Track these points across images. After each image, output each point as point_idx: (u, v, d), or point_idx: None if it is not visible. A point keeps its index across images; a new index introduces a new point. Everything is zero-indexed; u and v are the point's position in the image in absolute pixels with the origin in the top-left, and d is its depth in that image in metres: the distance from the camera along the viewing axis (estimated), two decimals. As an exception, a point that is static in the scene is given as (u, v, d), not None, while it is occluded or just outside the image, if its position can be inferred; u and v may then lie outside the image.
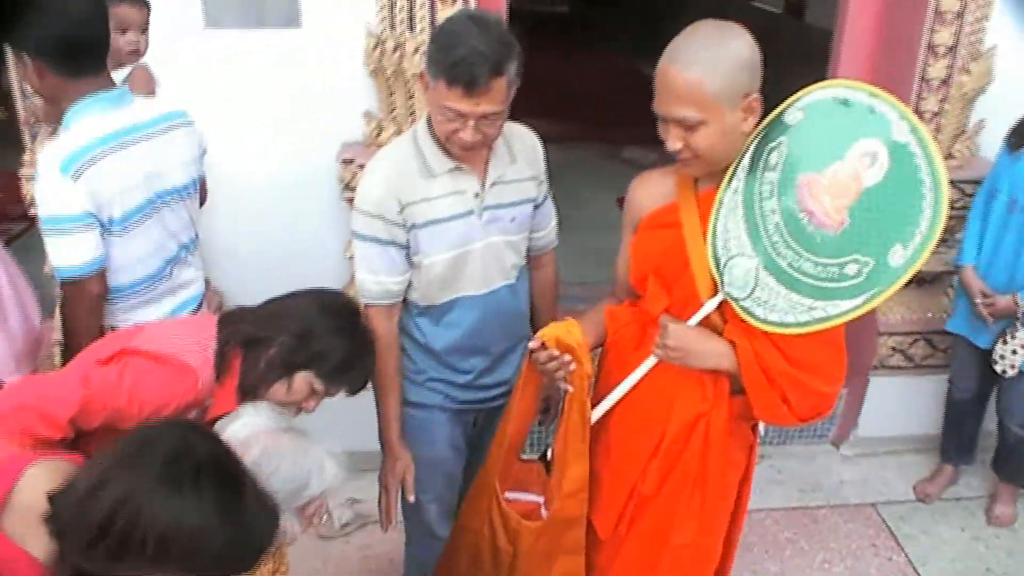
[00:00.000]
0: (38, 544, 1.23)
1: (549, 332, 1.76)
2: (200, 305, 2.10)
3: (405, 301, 1.97)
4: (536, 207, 2.02)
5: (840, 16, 2.88)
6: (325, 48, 2.56)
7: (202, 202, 2.16)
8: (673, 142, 1.59)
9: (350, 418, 2.06)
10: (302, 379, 1.66)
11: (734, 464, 1.85)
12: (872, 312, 2.91)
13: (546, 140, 2.04)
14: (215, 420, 1.67)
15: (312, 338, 1.65)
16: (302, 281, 1.83)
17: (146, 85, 2.33)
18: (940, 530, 2.94)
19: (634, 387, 1.76)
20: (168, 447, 1.23)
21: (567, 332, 1.75)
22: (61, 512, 1.20)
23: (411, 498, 2.08)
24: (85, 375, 1.50)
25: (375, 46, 2.51)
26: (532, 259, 2.13)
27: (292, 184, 2.68)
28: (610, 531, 1.87)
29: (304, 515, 1.57)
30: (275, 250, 2.72)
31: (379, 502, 2.10)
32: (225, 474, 1.25)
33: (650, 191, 1.78)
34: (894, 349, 3.05)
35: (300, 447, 1.56)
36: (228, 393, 1.64)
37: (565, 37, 9.01)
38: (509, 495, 1.96)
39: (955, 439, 3.03)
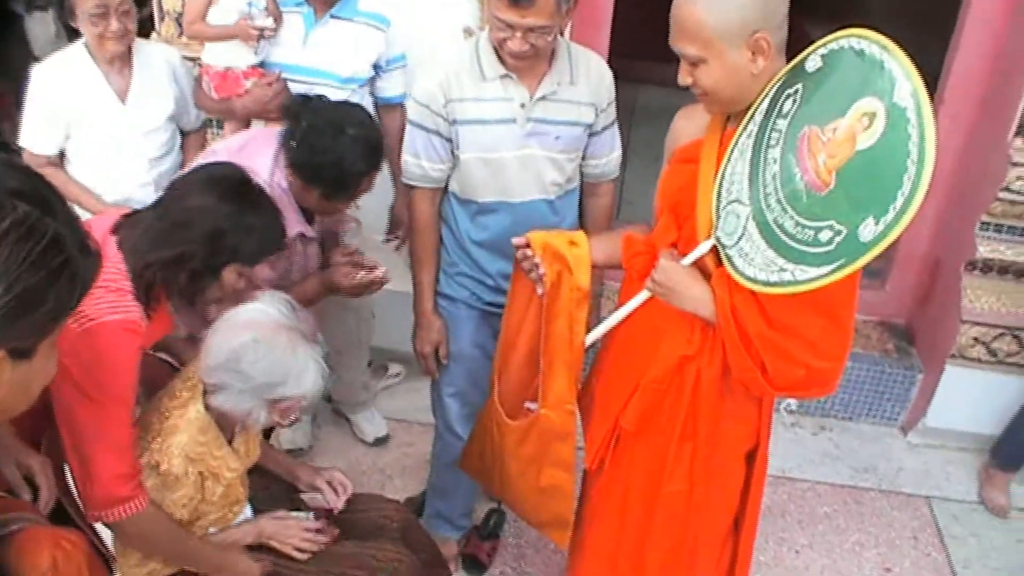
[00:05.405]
0: None
1: (539, 235, 1.79)
2: None
3: (448, 190, 2.10)
4: (592, 134, 2.07)
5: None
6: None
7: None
8: (682, 77, 1.58)
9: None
10: (230, 273, 1.64)
11: (737, 417, 1.80)
12: (956, 294, 2.75)
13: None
14: (158, 344, 1.73)
15: (223, 235, 1.59)
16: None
17: None
18: (992, 536, 2.78)
19: (631, 318, 1.76)
20: None
21: (564, 242, 1.77)
22: None
23: (444, 361, 2.22)
24: None
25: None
26: (587, 186, 2.20)
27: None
28: (593, 461, 1.89)
29: (275, 408, 1.62)
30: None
31: (421, 368, 2.26)
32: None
33: (688, 124, 1.76)
34: (976, 340, 2.87)
35: (290, 347, 1.56)
36: (161, 316, 1.64)
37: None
38: (530, 404, 1.96)
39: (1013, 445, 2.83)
